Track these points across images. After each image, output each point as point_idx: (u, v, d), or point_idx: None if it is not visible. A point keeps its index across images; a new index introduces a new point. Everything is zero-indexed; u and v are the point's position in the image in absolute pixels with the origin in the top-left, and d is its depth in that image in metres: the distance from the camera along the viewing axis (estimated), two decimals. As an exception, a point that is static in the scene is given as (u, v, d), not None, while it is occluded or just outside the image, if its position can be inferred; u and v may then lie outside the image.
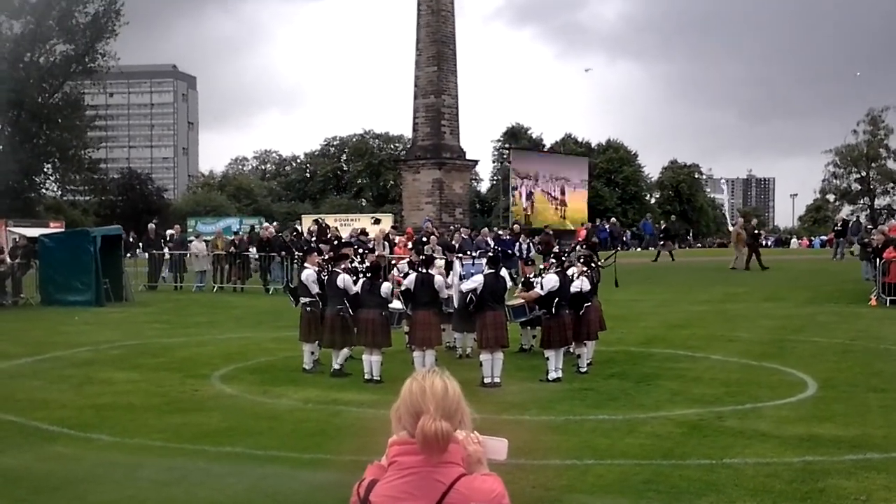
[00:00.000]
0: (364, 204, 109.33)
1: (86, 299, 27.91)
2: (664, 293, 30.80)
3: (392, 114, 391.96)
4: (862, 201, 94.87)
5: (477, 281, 15.23)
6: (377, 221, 39.04)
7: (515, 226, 41.08)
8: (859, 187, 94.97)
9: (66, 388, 14.79)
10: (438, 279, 15.70)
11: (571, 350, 16.25)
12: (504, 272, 15.91)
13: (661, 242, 48.51)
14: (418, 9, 54.51)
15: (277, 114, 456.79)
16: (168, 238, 37.88)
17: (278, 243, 33.84)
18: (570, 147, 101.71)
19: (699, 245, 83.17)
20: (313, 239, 30.39)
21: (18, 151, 67.74)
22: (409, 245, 26.48)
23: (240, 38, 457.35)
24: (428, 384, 3.52)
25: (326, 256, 17.70)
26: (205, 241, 36.77)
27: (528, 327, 18.10)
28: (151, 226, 37.92)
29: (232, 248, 34.80)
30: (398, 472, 3.46)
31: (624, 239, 58.53)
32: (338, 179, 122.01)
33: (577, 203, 63.90)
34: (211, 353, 18.52)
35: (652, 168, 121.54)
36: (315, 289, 16.28)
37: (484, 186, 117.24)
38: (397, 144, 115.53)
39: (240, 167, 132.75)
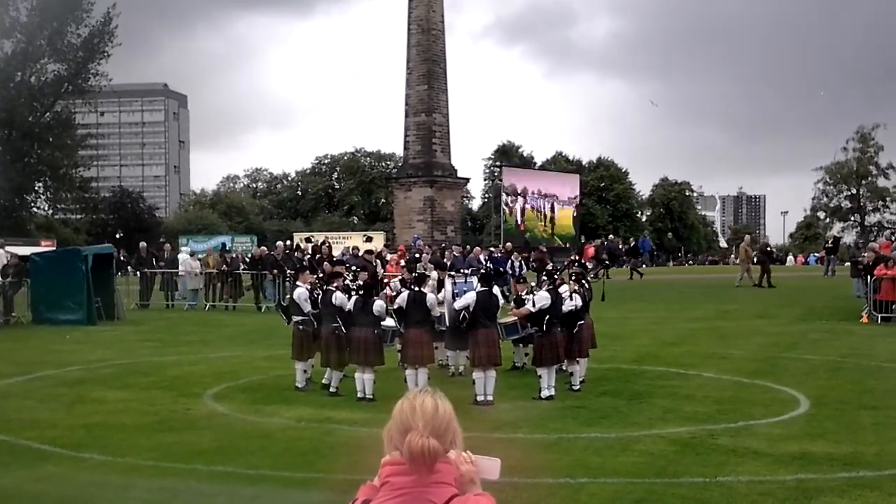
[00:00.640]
0: (356, 222, 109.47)
1: (77, 318, 27.82)
2: (656, 310, 30.82)
3: (383, 132, 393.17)
4: (852, 218, 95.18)
5: (469, 299, 15.22)
6: (369, 239, 39.10)
7: (508, 244, 41.11)
8: (850, 205, 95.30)
9: (57, 407, 14.73)
10: (431, 297, 15.69)
11: (564, 368, 16.23)
12: (496, 290, 15.90)
13: (629, 259, 48.35)
14: (409, 28, 54.71)
15: (269, 132, 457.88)
16: (161, 256, 37.87)
17: (270, 261, 33.82)
18: (561, 165, 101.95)
19: (690, 262, 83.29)
20: (306, 257, 30.39)
21: (9, 170, 67.71)
22: (402, 263, 26.43)
23: (231, 56, 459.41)
24: (419, 403, 3.52)
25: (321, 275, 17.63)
26: (198, 259, 36.73)
27: (521, 345, 18.09)
28: (143, 244, 37.90)
29: (224, 266, 34.78)
30: (390, 493, 3.45)
31: (623, 257, 58.76)
32: (329, 197, 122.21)
33: (566, 220, 64.08)
34: (203, 372, 18.46)
35: (643, 185, 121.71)
36: (307, 307, 16.25)
37: (475, 204, 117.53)
38: (389, 162, 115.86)
39: (231, 185, 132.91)
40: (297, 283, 17.00)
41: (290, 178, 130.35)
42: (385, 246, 40.20)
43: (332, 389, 15.72)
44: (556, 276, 16.38)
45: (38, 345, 23.06)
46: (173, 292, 35.49)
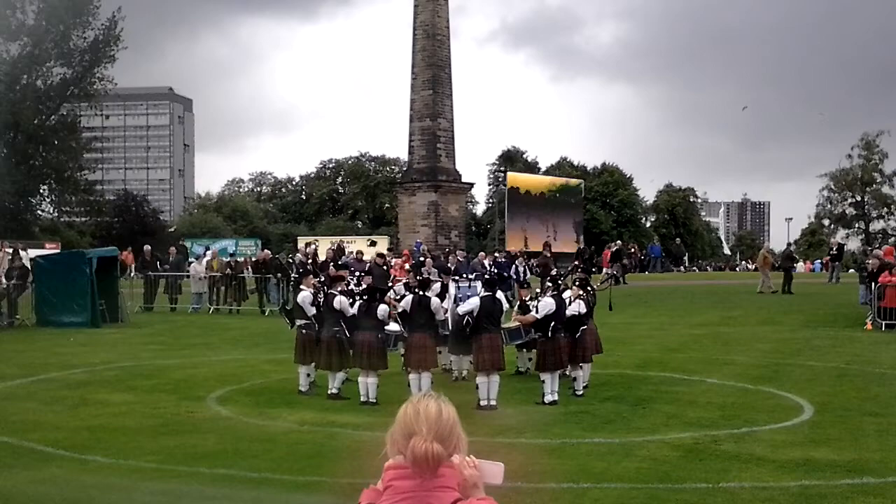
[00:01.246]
0: (360, 226, 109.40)
1: (81, 320, 27.85)
2: (660, 316, 30.80)
3: (388, 137, 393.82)
4: (857, 226, 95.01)
5: (473, 304, 15.22)
6: (373, 244, 39.06)
7: (512, 248, 41.09)
8: (854, 212, 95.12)
9: (60, 409, 14.75)
10: (435, 301, 15.70)
11: (567, 373, 16.22)
12: (500, 295, 15.90)
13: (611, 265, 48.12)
14: (414, 33, 54.73)
15: (273, 136, 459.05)
16: (166, 258, 37.90)
17: (274, 265, 33.84)
18: (565, 170, 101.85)
19: (695, 269, 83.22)
20: (309, 261, 30.41)
21: (14, 173, 67.73)
22: (407, 267, 26.43)
23: (236, 60, 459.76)
24: (422, 407, 3.51)
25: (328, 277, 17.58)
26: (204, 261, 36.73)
27: (525, 350, 18.09)
28: (147, 247, 37.91)
29: (228, 269, 34.82)
30: (394, 497, 3.45)
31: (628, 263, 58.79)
32: (333, 202, 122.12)
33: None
34: (206, 375, 18.47)
35: (647, 192, 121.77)
36: (311, 311, 16.25)
37: (480, 209, 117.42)
38: (393, 167, 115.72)
39: (236, 189, 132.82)
40: (301, 286, 17.00)
41: (294, 182, 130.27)
42: (388, 250, 40.19)
43: (334, 391, 15.72)
44: (560, 282, 16.39)
45: (42, 347, 23.08)
46: (177, 295, 35.49)
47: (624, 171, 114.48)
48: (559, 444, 12.16)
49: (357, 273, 19.08)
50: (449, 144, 54.94)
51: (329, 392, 15.76)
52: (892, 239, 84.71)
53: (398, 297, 16.93)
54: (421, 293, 15.57)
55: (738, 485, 9.94)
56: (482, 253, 38.54)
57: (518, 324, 16.31)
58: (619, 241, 62.63)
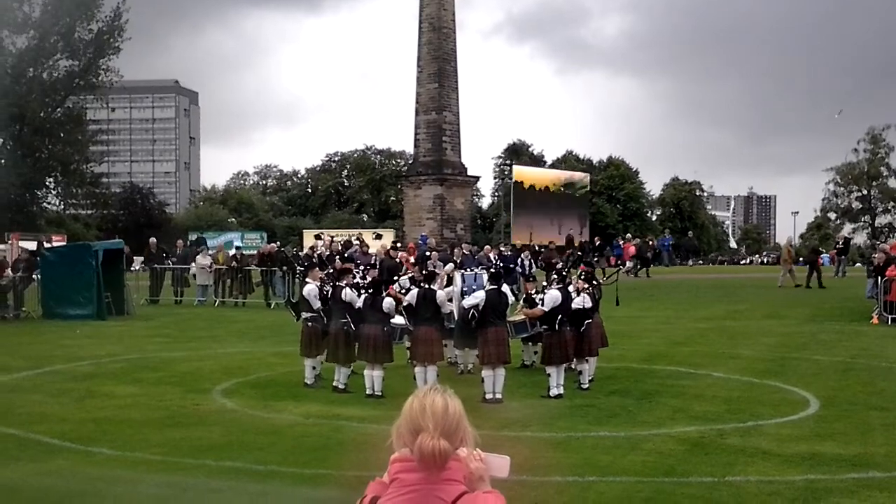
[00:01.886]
0: (365, 219, 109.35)
1: (87, 313, 27.89)
2: (666, 310, 30.78)
3: (394, 130, 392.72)
4: (863, 219, 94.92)
5: (479, 297, 15.22)
6: (378, 237, 39.07)
7: (517, 241, 41.08)
8: (860, 205, 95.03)
9: (66, 401, 14.77)
10: (440, 294, 15.70)
11: (573, 367, 16.22)
12: (505, 288, 15.89)
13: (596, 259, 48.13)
14: (419, 26, 54.63)
15: (279, 129, 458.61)
16: (172, 251, 37.93)
17: (280, 258, 33.85)
18: (571, 164, 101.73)
19: (700, 262, 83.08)
20: (316, 254, 30.41)
21: (21, 165, 67.85)
22: (412, 260, 26.44)
23: (241, 53, 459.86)
24: (428, 402, 3.50)
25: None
26: (209, 255, 36.77)
27: (530, 343, 18.09)
28: (153, 240, 37.93)
29: (234, 262, 34.85)
30: (400, 490, 3.45)
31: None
32: (339, 195, 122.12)
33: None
34: (212, 368, 18.49)
35: (653, 185, 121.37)
36: (317, 304, 16.26)
37: (485, 202, 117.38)
38: (399, 160, 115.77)
39: (241, 182, 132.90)
40: (307, 279, 17.00)
41: (299, 175, 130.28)
42: (393, 243, 40.17)
43: (340, 386, 15.73)
44: (565, 275, 16.37)
45: (48, 339, 23.12)
46: (183, 288, 35.53)
47: (630, 165, 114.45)
48: (565, 437, 12.16)
49: (363, 266, 19.04)
50: (454, 137, 54.86)
51: (334, 385, 15.77)
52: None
53: (403, 291, 16.93)
54: (426, 286, 15.57)
55: (744, 478, 9.93)
56: (488, 246, 38.47)
57: (524, 317, 16.31)
58: (629, 236, 62.82)
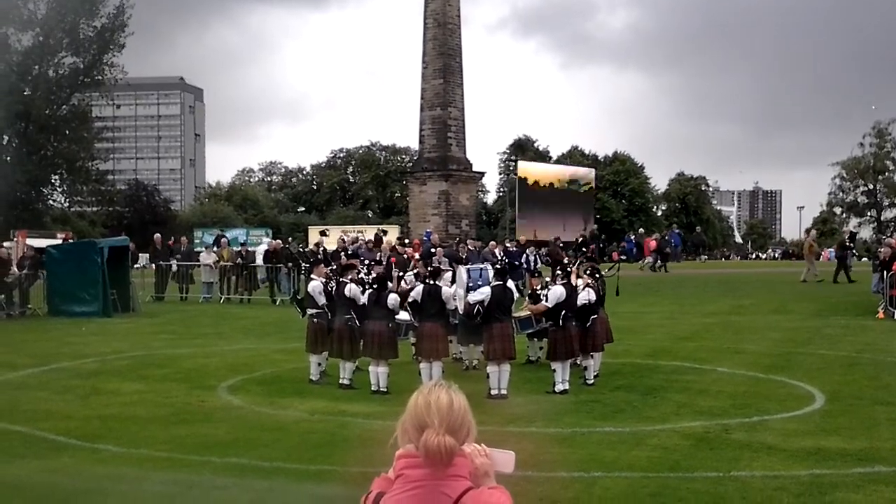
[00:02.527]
0: (370, 215, 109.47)
1: (93, 310, 27.95)
2: (671, 305, 30.77)
3: (399, 126, 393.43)
4: (869, 214, 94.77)
5: (484, 293, 15.21)
6: (384, 233, 39.05)
7: (522, 237, 41.12)
8: (866, 200, 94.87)
9: (72, 398, 14.79)
10: (446, 290, 15.70)
11: (578, 362, 16.21)
12: (511, 284, 15.88)
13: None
14: (425, 21, 54.65)
15: (284, 126, 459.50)
16: (177, 248, 37.93)
17: (285, 254, 33.90)
18: (576, 159, 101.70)
19: (705, 257, 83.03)
20: (321, 250, 30.44)
21: (26, 163, 67.92)
22: (417, 256, 26.44)
23: (246, 50, 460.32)
24: (433, 398, 3.50)
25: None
26: (213, 251, 36.81)
27: (535, 339, 18.09)
28: (157, 236, 37.97)
29: (239, 259, 34.89)
30: (405, 485, 3.45)
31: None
32: (344, 191, 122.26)
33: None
34: (217, 365, 18.51)
35: (659, 180, 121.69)
36: (322, 300, 16.27)
37: (490, 198, 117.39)
38: (404, 156, 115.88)
39: (246, 179, 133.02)
40: (312, 276, 17.01)
41: (304, 172, 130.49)
42: (398, 240, 40.19)
43: (345, 382, 15.73)
44: (570, 270, 16.35)
45: (54, 337, 23.16)
46: (188, 285, 35.57)
47: (635, 160, 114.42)
48: (570, 433, 12.15)
49: (367, 262, 19.04)
50: (459, 133, 54.89)
51: (340, 382, 15.78)
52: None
53: (409, 287, 16.92)
54: (432, 282, 15.57)
55: (749, 473, 9.92)
56: (493, 242, 38.50)
57: (529, 313, 16.30)
58: (641, 230, 62.94)
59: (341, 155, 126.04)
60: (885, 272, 27.36)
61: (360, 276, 16.10)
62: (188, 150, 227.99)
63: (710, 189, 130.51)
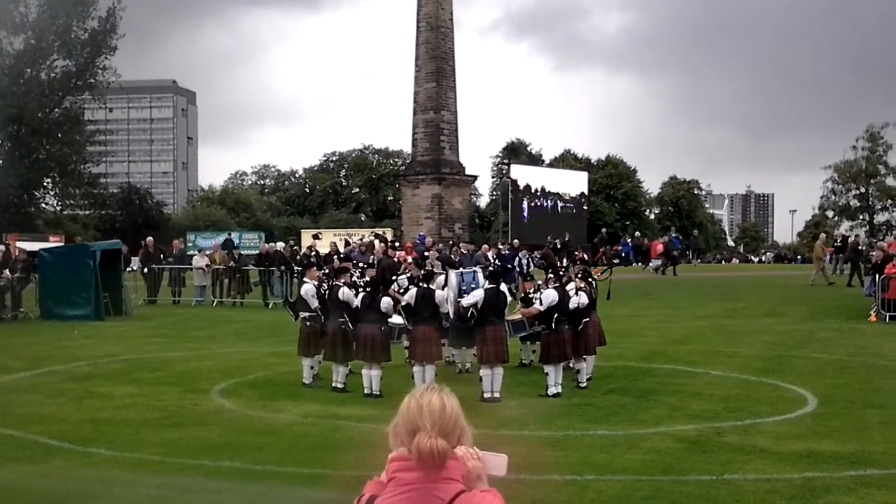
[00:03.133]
0: (363, 219, 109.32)
1: (85, 313, 27.88)
2: (664, 308, 30.79)
3: (391, 129, 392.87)
4: (861, 217, 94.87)
5: (477, 296, 15.22)
6: (377, 236, 39.05)
7: (515, 241, 41.13)
8: (858, 203, 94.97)
9: (64, 402, 14.77)
10: (439, 294, 15.71)
11: (571, 365, 16.23)
12: (504, 287, 15.90)
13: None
14: (417, 25, 54.62)
15: (276, 129, 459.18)
16: (169, 251, 37.90)
17: (278, 258, 33.86)
18: (569, 163, 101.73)
19: (698, 261, 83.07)
20: (313, 254, 30.44)
21: (18, 166, 67.77)
22: (409, 259, 26.43)
23: (239, 53, 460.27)
24: (425, 401, 3.50)
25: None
26: (205, 255, 36.75)
27: (528, 342, 18.10)
28: (150, 239, 37.89)
29: (231, 262, 34.85)
30: (397, 489, 3.45)
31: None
32: (337, 194, 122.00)
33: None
34: (210, 368, 18.49)
35: (651, 184, 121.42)
36: (314, 303, 16.27)
37: (483, 202, 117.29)
38: (397, 159, 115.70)
39: (239, 182, 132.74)
40: (305, 279, 17.01)
41: (297, 175, 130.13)
42: (392, 242, 40.17)
43: (338, 385, 15.73)
44: (562, 273, 16.37)
45: (46, 340, 23.11)
46: (181, 288, 35.52)
47: (628, 163, 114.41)
48: (563, 436, 12.17)
49: (361, 265, 19.04)
50: (452, 137, 54.86)
51: (333, 385, 15.77)
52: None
53: (401, 290, 16.93)
54: (425, 286, 15.58)
55: (742, 476, 9.95)
56: (486, 245, 38.49)
57: (521, 316, 16.31)
58: (637, 234, 62.96)
59: (334, 158, 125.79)
60: (876, 275, 27.42)
61: (352, 279, 16.11)
62: (181, 154, 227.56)
63: (703, 192, 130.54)
